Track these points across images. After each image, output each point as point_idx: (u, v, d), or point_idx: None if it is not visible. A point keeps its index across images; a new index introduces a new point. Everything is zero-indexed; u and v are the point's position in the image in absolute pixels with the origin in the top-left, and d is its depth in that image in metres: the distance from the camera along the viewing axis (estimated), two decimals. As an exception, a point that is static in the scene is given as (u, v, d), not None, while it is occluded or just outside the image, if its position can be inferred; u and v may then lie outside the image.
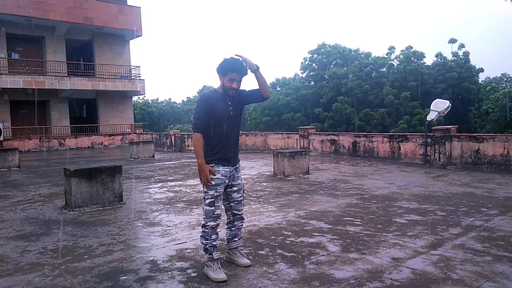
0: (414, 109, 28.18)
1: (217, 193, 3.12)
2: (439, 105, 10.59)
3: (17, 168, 11.68)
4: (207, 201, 3.12)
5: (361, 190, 7.00)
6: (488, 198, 6.12)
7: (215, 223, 3.14)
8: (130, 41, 25.82)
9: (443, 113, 10.59)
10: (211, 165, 3.11)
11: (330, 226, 4.60)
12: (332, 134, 13.31)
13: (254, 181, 8.23)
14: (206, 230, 3.15)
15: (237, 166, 3.30)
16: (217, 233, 3.21)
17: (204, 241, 3.17)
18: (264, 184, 7.88)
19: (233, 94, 3.17)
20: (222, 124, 3.12)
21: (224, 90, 3.16)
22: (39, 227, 4.88)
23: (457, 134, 10.06)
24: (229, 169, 3.18)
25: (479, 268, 3.25)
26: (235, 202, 3.31)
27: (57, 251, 3.88)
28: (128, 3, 25.46)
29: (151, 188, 7.73)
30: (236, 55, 3.13)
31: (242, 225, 3.43)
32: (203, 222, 3.17)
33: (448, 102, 10.69)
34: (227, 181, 3.20)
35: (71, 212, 5.60)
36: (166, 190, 7.36)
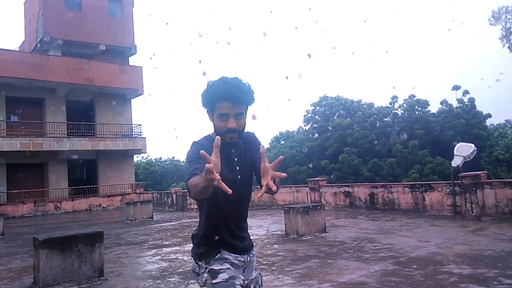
0: (424, 158, 27.18)
1: None
2: (464, 150, 9.62)
3: (1, 236, 10.56)
4: None
5: (394, 251, 5.83)
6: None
7: None
8: (131, 99, 25.62)
9: (469, 157, 9.58)
10: (215, 257, 1.90)
11: (370, 307, 3.45)
12: (346, 186, 12.22)
13: (263, 243, 7.06)
14: None
15: (251, 253, 2.05)
16: None
17: None
18: (276, 246, 6.72)
19: (234, 140, 1.85)
20: (224, 193, 1.72)
21: (221, 138, 1.73)
22: (-12, 319, 3.75)
23: (488, 180, 8.99)
24: (243, 259, 1.96)
25: None
26: None
27: None
28: (130, 63, 25.62)
29: (142, 256, 6.58)
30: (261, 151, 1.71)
31: None
32: None
33: (472, 145, 9.72)
34: (242, 277, 1.92)
35: (37, 294, 4.46)
36: (159, 259, 6.19)
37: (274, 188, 1.56)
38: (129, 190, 23.40)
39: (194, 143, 1.90)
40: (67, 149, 20.92)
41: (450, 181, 9.65)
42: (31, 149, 19.79)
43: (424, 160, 26.95)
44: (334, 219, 9.77)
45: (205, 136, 1.96)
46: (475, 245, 5.94)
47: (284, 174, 1.61)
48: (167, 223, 11.70)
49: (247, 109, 1.87)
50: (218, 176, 1.42)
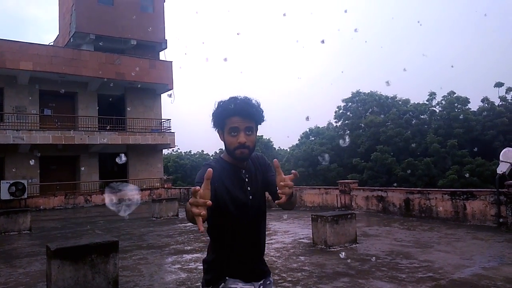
0: (463, 158, 25.84)
1: None
2: (511, 155, 8.81)
3: (28, 231, 10.63)
4: None
5: (432, 270, 5.27)
6: None
7: None
8: (161, 94, 25.68)
9: (517, 164, 8.77)
10: (221, 286, 1.82)
11: None
12: (379, 190, 11.57)
13: (289, 254, 6.64)
14: None
15: (269, 279, 1.95)
16: None
17: None
18: (302, 258, 6.28)
19: (245, 156, 1.82)
20: (235, 215, 1.82)
21: (232, 155, 1.85)
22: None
23: (539, 190, 8.16)
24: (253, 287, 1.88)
25: None
26: None
27: None
28: (160, 58, 25.65)
29: (161, 264, 6.30)
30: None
31: None
32: None
33: (522, 150, 8.88)
34: None
35: (47, 308, 4.24)
36: (178, 268, 5.89)
37: (284, 198, 1.56)
38: (158, 185, 23.53)
39: (205, 164, 1.91)
40: (98, 142, 21.18)
41: (495, 189, 8.88)
42: (63, 142, 20.14)
43: (463, 161, 25.63)
44: (365, 227, 9.20)
45: (216, 158, 1.98)
46: (528, 268, 5.29)
47: (291, 181, 1.59)
48: (192, 224, 11.48)
49: (257, 128, 1.88)
50: (203, 212, 1.39)
